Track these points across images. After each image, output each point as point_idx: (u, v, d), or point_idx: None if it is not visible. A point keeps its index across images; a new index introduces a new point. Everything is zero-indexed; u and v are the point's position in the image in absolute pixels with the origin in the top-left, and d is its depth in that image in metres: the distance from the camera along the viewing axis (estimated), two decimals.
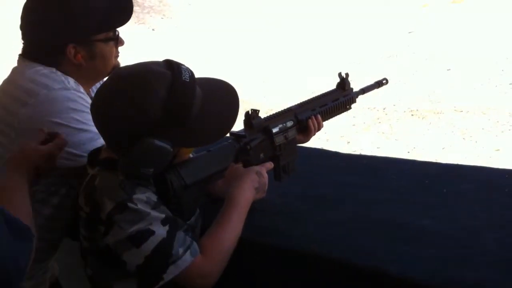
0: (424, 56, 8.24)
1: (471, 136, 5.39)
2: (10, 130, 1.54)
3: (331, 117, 1.79)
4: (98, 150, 1.39)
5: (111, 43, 1.63)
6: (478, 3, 11.41)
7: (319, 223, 1.50)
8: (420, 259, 1.27)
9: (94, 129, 1.45)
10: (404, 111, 6.00)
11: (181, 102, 1.23)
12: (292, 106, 1.67)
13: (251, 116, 1.51)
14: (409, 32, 10.35)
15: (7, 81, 1.64)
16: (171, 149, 1.23)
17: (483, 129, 5.50)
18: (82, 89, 1.62)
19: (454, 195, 1.58)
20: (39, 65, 1.60)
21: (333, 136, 5.37)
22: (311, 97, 1.74)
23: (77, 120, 1.55)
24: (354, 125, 5.72)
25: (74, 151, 1.54)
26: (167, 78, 1.23)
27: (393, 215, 1.50)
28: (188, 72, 1.28)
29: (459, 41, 8.81)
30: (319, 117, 1.71)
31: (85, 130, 1.56)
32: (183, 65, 1.29)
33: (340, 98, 1.81)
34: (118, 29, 1.68)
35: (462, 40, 8.81)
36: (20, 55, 1.66)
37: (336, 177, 1.80)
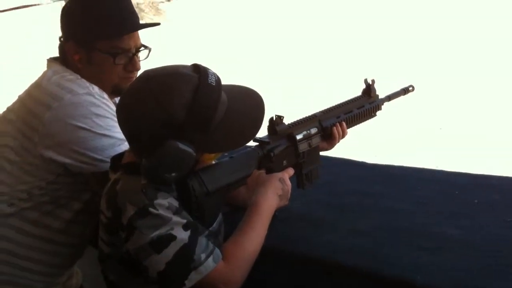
0: None
1: None
2: (34, 134, 1.55)
3: (356, 124, 1.76)
4: (121, 154, 1.38)
5: (111, 58, 1.61)
6: None
7: (343, 232, 1.46)
8: (447, 269, 1.23)
9: (118, 135, 1.45)
10: None
11: (205, 106, 1.21)
12: (317, 113, 1.64)
13: (276, 122, 1.49)
14: None
15: (34, 85, 1.66)
16: (194, 153, 1.21)
17: None
18: (106, 96, 1.62)
19: (485, 206, 1.54)
20: (66, 70, 1.62)
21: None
22: (336, 103, 1.71)
23: (100, 125, 1.56)
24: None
25: (95, 156, 1.54)
26: (193, 81, 1.22)
27: (420, 225, 1.46)
28: (215, 76, 1.26)
29: None
30: (344, 124, 1.67)
31: (107, 136, 1.56)
32: (210, 69, 1.28)
33: (365, 105, 1.77)
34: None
35: None
36: (48, 58, 1.69)
37: (361, 187, 1.76)
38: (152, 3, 18.70)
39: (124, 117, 1.26)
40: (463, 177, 1.78)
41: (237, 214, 1.41)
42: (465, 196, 1.60)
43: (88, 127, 1.55)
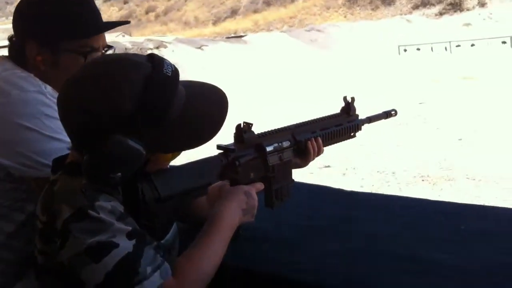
0: (434, 125, 8.14)
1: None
2: None
3: (333, 143, 1.61)
4: (65, 156, 1.21)
5: (81, 58, 1.48)
6: (488, 79, 11.54)
7: (313, 252, 1.30)
8: None
9: (69, 139, 1.29)
10: (414, 176, 5.80)
11: (158, 97, 1.07)
12: (290, 125, 1.49)
13: (243, 129, 1.33)
14: (420, 103, 10.33)
15: None
16: (144, 152, 1.05)
17: (496, 197, 5.26)
18: None
19: (474, 232, 1.38)
20: (17, 68, 1.47)
21: None
22: (311, 118, 1.57)
23: (49, 127, 1.40)
24: (362, 186, 5.51)
25: (42, 160, 1.38)
26: (145, 69, 1.08)
27: (401, 249, 1.30)
28: (171, 67, 1.12)
29: (470, 113, 8.76)
30: (320, 140, 1.53)
31: (57, 139, 1.40)
32: (167, 60, 1.14)
33: (343, 124, 1.63)
34: None
35: (472, 112, 8.77)
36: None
37: (339, 211, 1.59)
38: (141, 49, 18.96)
39: (62, 107, 1.11)
40: (450, 205, 1.63)
41: (197, 231, 1.22)
42: (454, 222, 1.45)
43: (37, 128, 1.39)
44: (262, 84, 16.25)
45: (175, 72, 1.12)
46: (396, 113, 1.82)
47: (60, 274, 1.08)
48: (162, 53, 20.07)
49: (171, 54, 20.31)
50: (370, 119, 1.74)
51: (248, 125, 1.34)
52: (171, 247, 1.24)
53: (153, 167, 1.14)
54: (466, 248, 1.28)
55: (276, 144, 1.41)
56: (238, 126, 1.33)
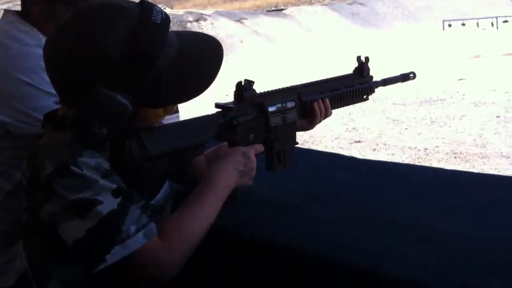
0: (472, 102, 7.89)
1: None
2: None
3: (343, 105, 1.53)
4: (56, 110, 1.17)
5: None
6: None
7: (312, 219, 1.23)
8: (430, 262, 0.99)
9: None
10: (447, 153, 5.63)
11: (145, 45, 1.00)
12: (296, 85, 1.42)
13: (244, 87, 1.26)
14: (459, 80, 10.03)
15: None
16: (129, 106, 1.00)
17: None
18: None
19: (485, 202, 1.29)
20: (20, 21, 1.44)
21: None
22: (321, 79, 1.49)
23: (48, 82, 1.34)
24: None
25: (39, 116, 1.34)
26: (132, 15, 1.01)
27: (406, 217, 1.23)
28: (161, 13, 1.05)
29: (510, 90, 8.46)
30: (327, 101, 1.45)
31: (56, 95, 1.36)
32: (158, 6, 1.08)
33: (355, 85, 1.54)
34: None
35: None
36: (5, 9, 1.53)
37: (345, 178, 1.53)
38: (180, 21, 18.97)
39: (48, 58, 1.05)
40: (464, 174, 1.54)
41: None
42: (465, 192, 1.37)
43: (36, 84, 1.36)
44: (299, 57, 16.04)
45: (166, 19, 1.05)
46: (414, 76, 1.71)
47: (41, 230, 1.04)
48: (202, 25, 20.01)
49: (211, 27, 20.26)
50: (385, 82, 1.65)
51: (250, 83, 1.27)
52: (162, 208, 1.19)
53: (144, 123, 1.09)
54: (473, 217, 1.20)
55: (279, 105, 1.34)
56: (239, 84, 1.26)
